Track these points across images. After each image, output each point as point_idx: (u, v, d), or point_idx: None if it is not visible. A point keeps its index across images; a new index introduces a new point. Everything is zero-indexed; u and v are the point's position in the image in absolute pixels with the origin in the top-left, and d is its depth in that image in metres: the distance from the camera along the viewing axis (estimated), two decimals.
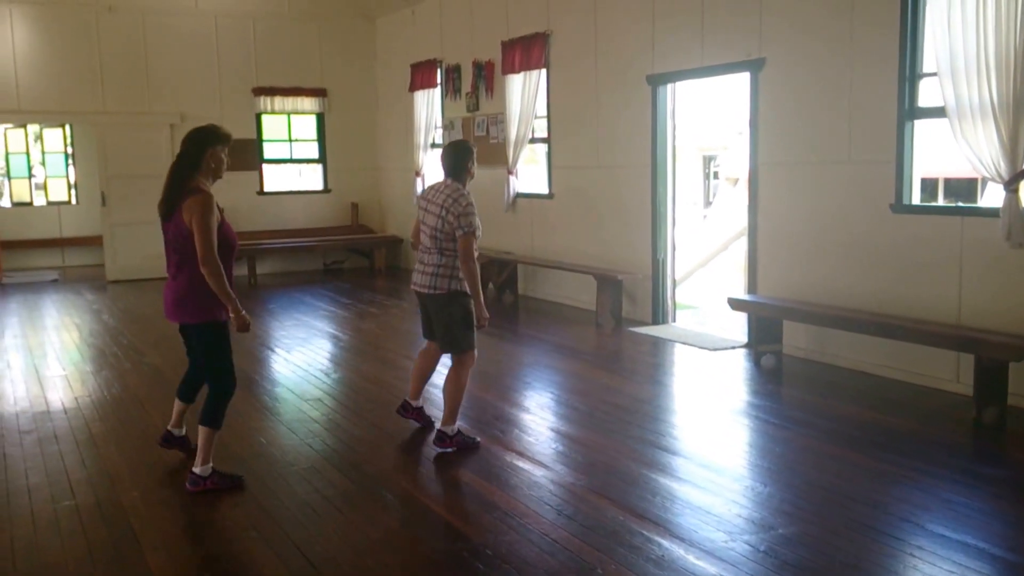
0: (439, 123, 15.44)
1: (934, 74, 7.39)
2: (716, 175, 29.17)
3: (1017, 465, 6.14)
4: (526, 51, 12.49)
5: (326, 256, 17.41)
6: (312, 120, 17.45)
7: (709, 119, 23.44)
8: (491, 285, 13.16)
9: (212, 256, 5.32)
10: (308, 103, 17.10)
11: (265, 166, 17.13)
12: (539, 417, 7.30)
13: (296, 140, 17.50)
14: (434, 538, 5.05)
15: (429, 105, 15.46)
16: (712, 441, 6.62)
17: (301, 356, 9.56)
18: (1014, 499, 5.44)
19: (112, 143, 15.50)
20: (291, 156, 17.60)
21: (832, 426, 6.82)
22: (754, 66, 9.13)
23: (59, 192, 19.01)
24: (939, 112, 7.43)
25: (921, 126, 7.87)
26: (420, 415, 6.90)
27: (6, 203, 19.06)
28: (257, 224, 16.56)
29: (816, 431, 6.70)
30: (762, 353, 8.72)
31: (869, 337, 7.98)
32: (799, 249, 8.86)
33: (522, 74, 12.60)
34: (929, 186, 19.61)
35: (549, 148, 12.69)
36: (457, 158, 6.38)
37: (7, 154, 18.92)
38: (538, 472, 5.93)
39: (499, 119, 13.38)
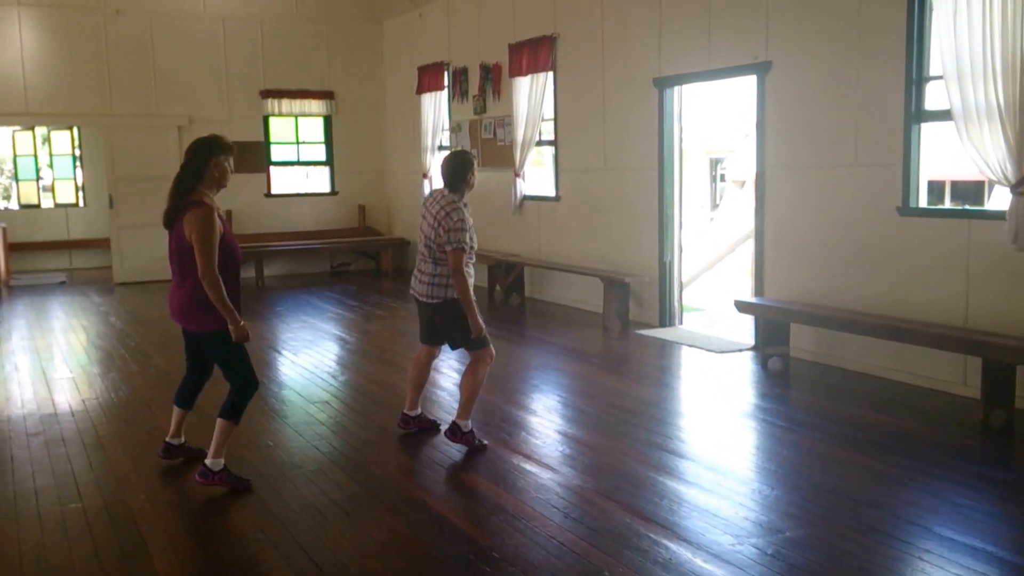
0: (446, 126, 15.45)
1: (940, 77, 7.38)
2: (723, 178, 29.12)
3: None
4: (533, 54, 12.50)
5: (333, 258, 17.42)
6: (319, 123, 17.47)
7: (716, 122, 23.40)
8: (498, 287, 13.18)
9: (212, 271, 5.35)
10: (315, 106, 17.11)
11: (272, 168, 17.15)
12: (546, 420, 7.30)
13: (303, 142, 17.52)
14: (441, 541, 5.05)
15: (436, 108, 15.46)
16: (719, 444, 6.61)
17: (308, 358, 9.57)
18: (1022, 502, 5.42)
19: (120, 145, 15.53)
20: (298, 158, 17.63)
21: (839, 429, 6.81)
22: (761, 69, 9.12)
23: (67, 194, 19.05)
24: (946, 115, 7.42)
25: (928, 129, 7.85)
26: (422, 421, 6.90)
27: (14, 205, 19.11)
28: (264, 226, 16.60)
29: (823, 434, 6.69)
30: (769, 356, 8.70)
31: (876, 340, 7.97)
32: (806, 252, 8.85)
33: (529, 77, 12.60)
34: (936, 189, 19.55)
35: (556, 151, 12.70)
36: (456, 170, 6.38)
37: (15, 156, 18.99)
38: (545, 475, 5.93)
39: (506, 122, 13.38)
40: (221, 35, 16.36)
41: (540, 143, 13.02)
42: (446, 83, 15.16)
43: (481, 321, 6.27)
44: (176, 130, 15.65)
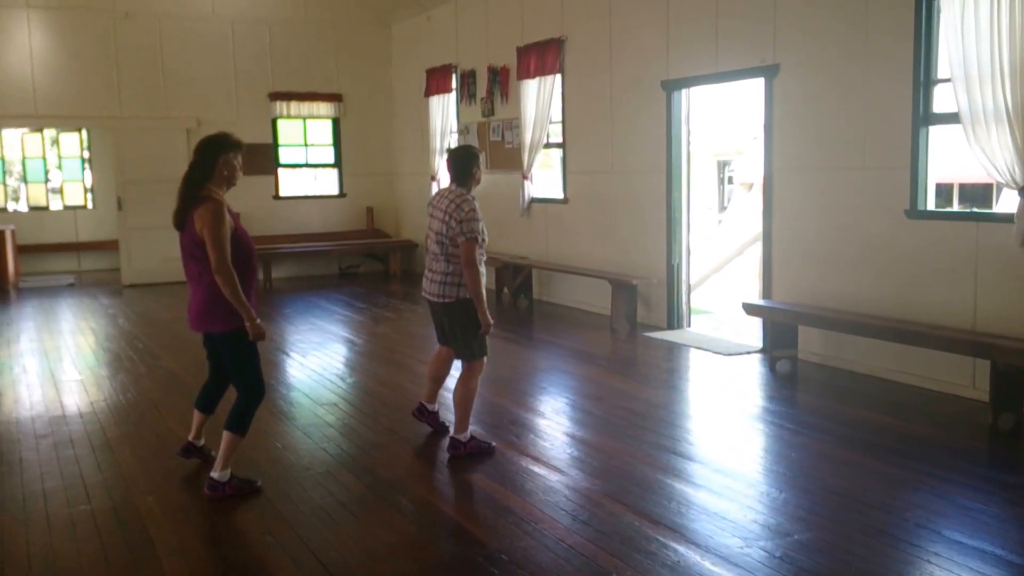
0: (454, 128, 15.47)
1: (948, 80, 7.38)
2: (731, 180, 29.10)
3: None
4: (541, 56, 12.51)
5: (341, 260, 17.45)
6: (328, 125, 17.50)
7: (724, 124, 23.40)
8: (506, 290, 13.18)
9: (225, 264, 5.29)
10: (324, 108, 17.16)
11: (281, 170, 17.20)
12: (554, 422, 7.30)
13: (312, 145, 17.55)
14: (449, 543, 5.05)
15: (444, 110, 15.49)
16: (727, 446, 6.61)
17: (316, 360, 9.58)
18: None
19: (128, 148, 15.58)
20: (307, 161, 17.65)
21: (848, 431, 6.80)
22: (769, 72, 9.12)
23: (75, 196, 19.11)
24: (954, 118, 7.41)
25: (936, 132, 7.84)
26: (435, 420, 6.90)
27: (23, 207, 19.16)
28: (272, 228, 16.62)
29: (832, 436, 6.68)
30: (777, 358, 8.69)
31: (885, 342, 7.96)
32: (814, 254, 8.84)
33: (537, 79, 12.61)
34: (944, 191, 19.54)
35: (564, 153, 12.70)
36: (462, 163, 6.35)
37: (24, 158, 19.03)
38: (553, 477, 5.93)
39: (514, 124, 13.39)
40: (230, 38, 16.41)
41: (548, 145, 13.03)
42: (454, 85, 15.19)
43: (490, 317, 6.26)
44: (185, 132, 15.70)
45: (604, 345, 10.31)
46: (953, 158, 9.85)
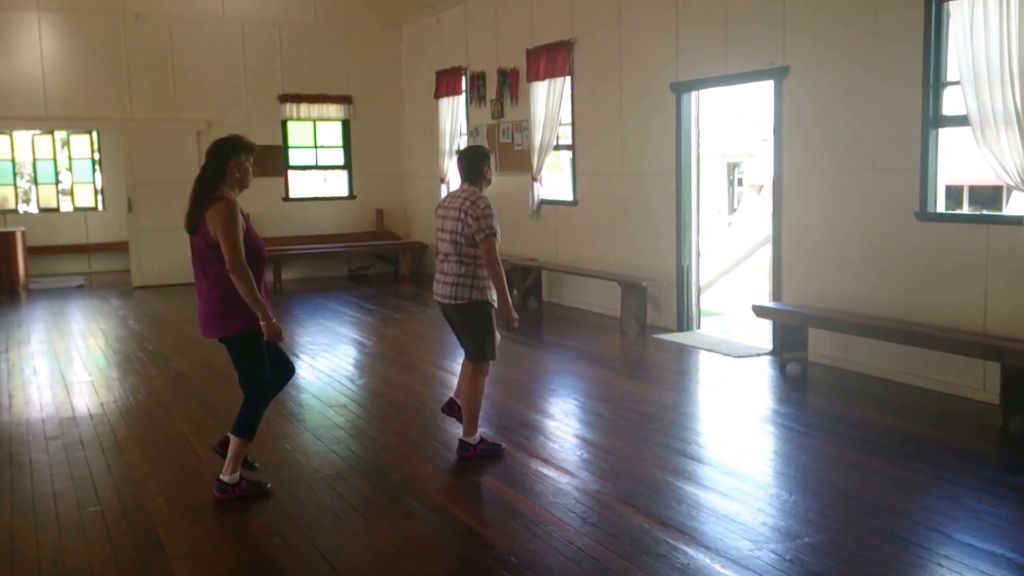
0: (464, 130, 15.48)
1: (957, 82, 7.36)
2: (740, 182, 29.10)
3: None
4: (551, 59, 12.51)
5: (351, 262, 17.47)
6: (337, 127, 17.53)
7: (733, 126, 23.37)
8: (515, 291, 13.16)
9: (240, 262, 5.27)
10: (333, 110, 17.19)
11: (291, 172, 17.23)
12: (564, 424, 7.30)
13: (321, 147, 17.59)
14: (459, 545, 5.06)
15: (454, 112, 15.50)
16: (737, 449, 6.60)
17: (326, 362, 9.59)
18: None
19: (139, 150, 15.63)
20: (316, 163, 17.69)
21: (858, 434, 6.79)
22: (778, 74, 9.11)
23: (86, 198, 19.18)
24: (963, 120, 7.40)
25: (945, 134, 7.83)
26: (460, 415, 6.86)
27: (33, 209, 19.22)
28: (282, 230, 16.65)
29: (842, 439, 6.67)
30: (787, 360, 8.68)
31: (895, 345, 7.94)
32: (824, 256, 8.82)
33: (547, 81, 12.62)
34: (954, 194, 19.48)
35: (573, 155, 12.70)
36: (473, 162, 6.33)
37: (34, 160, 19.10)
38: (563, 479, 5.93)
39: (524, 126, 13.40)
40: (240, 40, 16.44)
41: (558, 147, 13.03)
42: (464, 88, 15.20)
43: (514, 312, 6.25)
44: (195, 134, 15.75)
45: (614, 347, 10.31)
46: (963, 160, 9.84)
